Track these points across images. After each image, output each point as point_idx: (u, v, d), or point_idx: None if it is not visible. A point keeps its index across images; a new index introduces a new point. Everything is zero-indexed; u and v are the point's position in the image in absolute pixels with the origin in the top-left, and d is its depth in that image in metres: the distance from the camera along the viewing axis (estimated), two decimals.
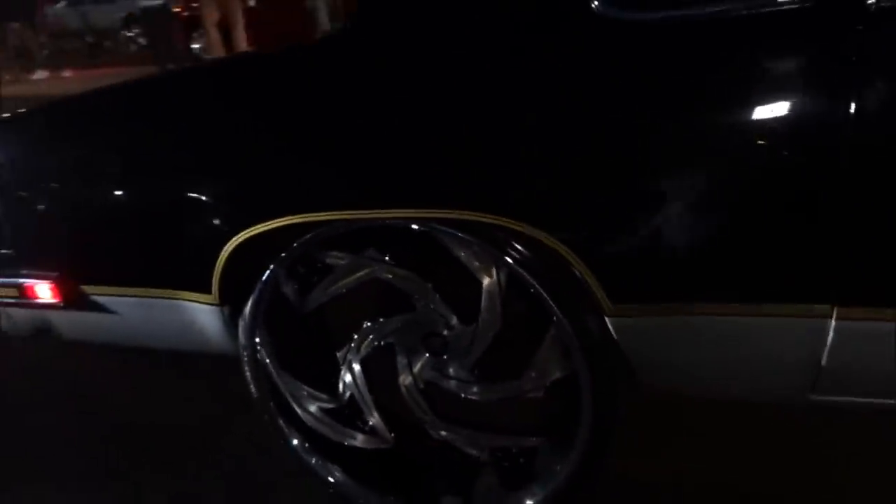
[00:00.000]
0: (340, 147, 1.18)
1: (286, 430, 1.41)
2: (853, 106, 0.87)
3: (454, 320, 1.28)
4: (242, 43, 6.60)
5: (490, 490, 1.37)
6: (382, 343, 1.37)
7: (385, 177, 1.16)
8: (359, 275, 1.33)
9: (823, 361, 0.99)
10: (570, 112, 1.02)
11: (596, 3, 0.99)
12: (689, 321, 1.02)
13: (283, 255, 1.25)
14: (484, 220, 1.06)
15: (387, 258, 1.28)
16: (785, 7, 0.91)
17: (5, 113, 1.86)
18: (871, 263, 0.92)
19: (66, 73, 9.05)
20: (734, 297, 0.98)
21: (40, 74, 9.03)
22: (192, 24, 7.62)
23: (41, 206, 1.42)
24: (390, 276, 1.30)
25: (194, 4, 7.22)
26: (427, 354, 1.34)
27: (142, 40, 10.70)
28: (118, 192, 1.32)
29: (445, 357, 1.33)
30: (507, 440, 1.34)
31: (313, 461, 1.42)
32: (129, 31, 11.95)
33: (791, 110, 0.91)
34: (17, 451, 1.75)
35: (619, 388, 1.15)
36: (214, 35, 6.75)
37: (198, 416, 1.77)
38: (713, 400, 1.22)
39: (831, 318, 0.94)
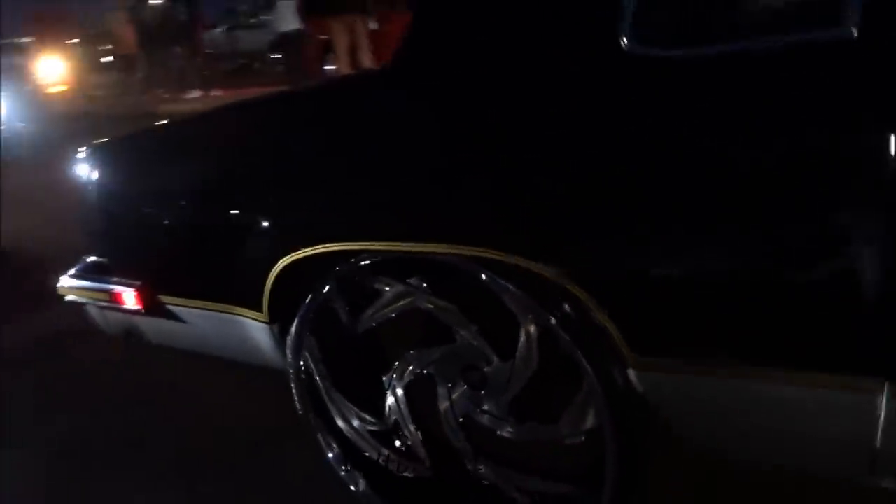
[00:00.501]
0: (390, 179, 1.21)
1: (324, 443, 1.45)
2: None
3: (493, 356, 1.26)
4: (368, 63, 6.94)
5: None
6: (424, 371, 1.37)
7: (428, 212, 1.17)
8: (403, 303, 1.34)
9: (878, 443, 0.87)
10: (596, 157, 0.97)
11: (625, 40, 0.94)
12: (720, 383, 0.93)
13: (325, 281, 1.29)
14: (501, 258, 1.03)
15: (425, 286, 1.28)
16: (824, 41, 0.81)
17: None
18: None
19: (216, 93, 9.93)
20: (768, 362, 0.89)
21: (194, 94, 9.97)
22: (327, 48, 8.09)
23: (130, 221, 1.57)
24: (432, 307, 1.30)
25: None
26: (465, 386, 1.33)
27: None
28: (188, 212, 1.43)
29: (483, 392, 1.31)
30: (541, 484, 1.29)
31: (343, 474, 1.44)
32: (276, 54, 12.88)
33: (836, 156, 0.81)
34: (83, 444, 1.93)
35: (646, 444, 1.07)
36: (344, 57, 7.15)
37: (251, 425, 1.87)
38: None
39: (882, 393, 0.82)
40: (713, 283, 0.92)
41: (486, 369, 1.29)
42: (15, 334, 2.74)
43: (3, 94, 5.70)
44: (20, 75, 8.77)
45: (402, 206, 1.18)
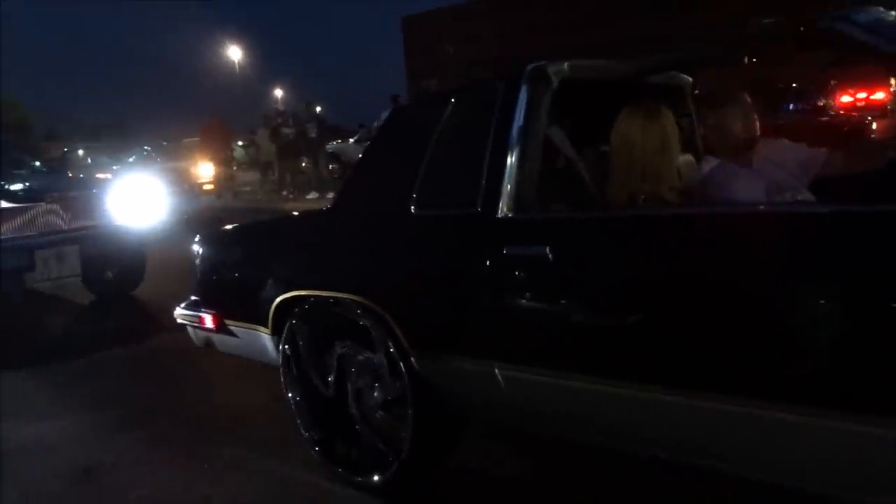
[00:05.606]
0: (323, 261, 2.40)
1: (295, 406, 2.53)
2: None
3: (387, 373, 2.29)
4: None
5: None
6: (351, 367, 2.43)
7: (337, 278, 2.32)
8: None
9: (504, 399, 1.85)
10: (401, 259, 2.13)
11: (413, 207, 2.09)
12: (446, 365, 1.96)
13: (302, 306, 2.43)
14: (364, 301, 2.14)
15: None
16: (469, 213, 1.91)
17: None
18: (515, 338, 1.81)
19: (330, 195, 11.75)
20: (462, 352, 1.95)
21: (312, 195, 11.91)
22: None
23: (214, 277, 2.82)
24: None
25: None
26: (369, 378, 2.37)
27: None
28: (241, 275, 2.72)
29: (376, 385, 2.35)
30: (388, 447, 2.28)
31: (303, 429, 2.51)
32: None
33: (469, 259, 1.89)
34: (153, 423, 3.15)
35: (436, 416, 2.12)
36: None
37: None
38: None
39: (495, 367, 1.83)
40: (443, 318, 1.98)
41: (382, 377, 2.33)
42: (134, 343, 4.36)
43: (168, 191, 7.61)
44: (180, 176, 11.17)
45: (328, 275, 2.36)
